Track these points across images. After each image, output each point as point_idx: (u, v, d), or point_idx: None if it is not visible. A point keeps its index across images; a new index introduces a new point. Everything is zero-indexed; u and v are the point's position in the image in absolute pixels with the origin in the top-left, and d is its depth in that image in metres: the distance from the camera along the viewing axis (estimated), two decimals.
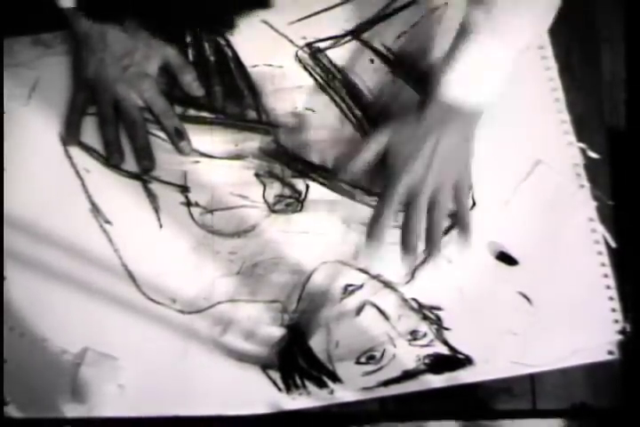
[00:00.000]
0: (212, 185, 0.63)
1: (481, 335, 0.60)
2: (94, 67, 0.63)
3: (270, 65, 0.66)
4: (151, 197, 0.63)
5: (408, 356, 0.60)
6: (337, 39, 0.66)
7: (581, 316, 0.60)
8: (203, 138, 0.64)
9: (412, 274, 0.61)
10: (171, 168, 0.64)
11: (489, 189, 0.62)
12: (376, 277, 0.61)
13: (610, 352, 0.60)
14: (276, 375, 0.60)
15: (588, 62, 0.65)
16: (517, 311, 0.60)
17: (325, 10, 0.66)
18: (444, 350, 0.60)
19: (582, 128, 0.64)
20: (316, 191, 0.63)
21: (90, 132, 0.65)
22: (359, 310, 0.61)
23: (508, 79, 0.57)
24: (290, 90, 0.65)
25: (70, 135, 0.65)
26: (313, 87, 0.65)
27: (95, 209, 0.63)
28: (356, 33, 0.66)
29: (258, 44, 0.66)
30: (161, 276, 0.62)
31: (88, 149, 0.65)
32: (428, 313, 0.60)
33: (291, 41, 0.66)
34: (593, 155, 0.63)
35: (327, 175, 0.63)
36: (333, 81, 0.65)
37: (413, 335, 0.60)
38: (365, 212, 0.62)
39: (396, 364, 0.60)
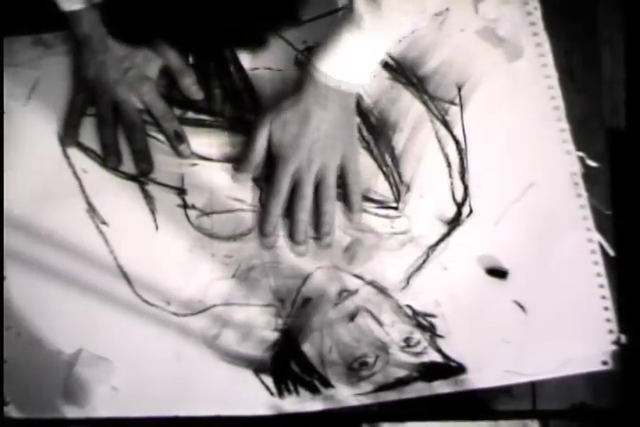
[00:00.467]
0: (210, 188, 0.63)
1: (475, 344, 0.60)
2: (95, 68, 0.63)
3: (270, 68, 0.66)
4: (148, 198, 0.63)
5: (401, 363, 0.60)
6: None
7: (576, 326, 0.60)
8: (201, 140, 0.64)
9: (407, 281, 0.61)
10: (168, 170, 0.64)
11: (486, 197, 0.62)
12: (371, 284, 0.61)
13: (604, 362, 0.59)
14: (268, 379, 0.60)
15: (588, 63, 0.65)
16: (512, 320, 0.60)
17: (326, 14, 0.66)
18: (438, 358, 0.60)
19: (581, 135, 0.63)
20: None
21: (89, 133, 0.65)
22: (353, 316, 0.61)
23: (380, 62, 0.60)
24: None
25: (68, 136, 0.65)
26: None
27: (92, 210, 0.64)
28: None
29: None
30: (156, 278, 0.62)
31: (86, 150, 0.65)
32: (422, 320, 0.60)
33: (291, 44, 0.66)
34: (592, 163, 0.63)
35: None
36: None
37: (407, 342, 0.60)
38: (362, 217, 0.62)
39: (388, 370, 0.60)
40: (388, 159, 0.63)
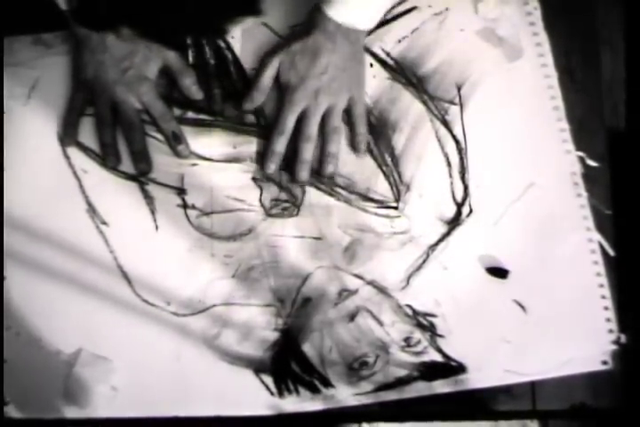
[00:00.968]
0: (209, 188, 0.63)
1: (475, 343, 0.60)
2: (94, 68, 0.63)
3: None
4: (148, 198, 0.63)
5: (401, 362, 0.60)
6: None
7: (576, 325, 0.60)
8: (201, 140, 0.64)
9: (408, 280, 0.61)
10: (168, 170, 0.64)
11: (486, 196, 0.62)
12: (371, 283, 0.61)
13: (604, 362, 0.59)
14: (268, 379, 0.60)
15: (588, 63, 0.65)
16: (512, 320, 0.60)
17: None
18: (438, 358, 0.60)
19: (581, 135, 0.63)
20: (313, 196, 0.63)
21: (89, 132, 0.65)
22: (353, 316, 0.61)
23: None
24: None
25: (68, 135, 0.65)
26: None
27: (92, 210, 0.64)
28: None
29: (258, 47, 0.66)
30: (156, 278, 0.62)
31: (86, 150, 0.65)
32: (423, 320, 0.60)
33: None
34: (592, 163, 0.63)
35: (324, 180, 0.63)
36: None
37: (407, 342, 0.60)
38: (362, 217, 0.62)
39: (389, 370, 0.60)
40: (388, 159, 0.63)
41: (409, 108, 0.64)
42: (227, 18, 0.60)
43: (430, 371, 0.59)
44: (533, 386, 0.60)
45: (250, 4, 0.61)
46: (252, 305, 0.61)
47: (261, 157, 0.63)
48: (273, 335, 0.61)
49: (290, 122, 0.62)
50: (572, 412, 0.60)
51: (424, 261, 0.61)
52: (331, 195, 0.63)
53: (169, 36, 0.63)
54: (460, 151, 0.63)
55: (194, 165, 0.64)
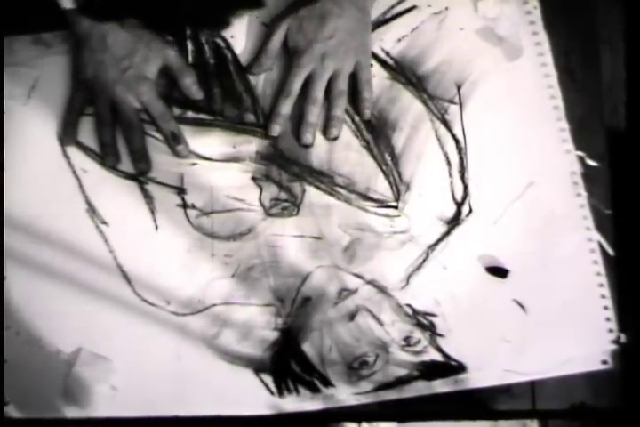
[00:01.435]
0: (209, 187, 0.63)
1: (475, 343, 0.60)
2: (93, 68, 0.63)
3: (270, 68, 0.66)
4: (148, 198, 0.63)
5: (401, 362, 0.60)
6: None
7: (576, 325, 0.60)
8: (200, 140, 0.64)
9: (407, 280, 0.61)
10: (168, 170, 0.64)
11: (485, 196, 0.62)
12: (371, 283, 0.61)
13: (604, 362, 0.59)
14: (268, 379, 0.60)
15: (588, 63, 0.65)
16: (512, 319, 0.60)
17: None
18: (438, 357, 0.60)
19: (581, 135, 0.63)
20: (313, 195, 0.63)
21: (88, 132, 0.65)
22: (353, 315, 0.61)
23: None
24: None
25: (67, 135, 0.65)
26: None
27: (91, 209, 0.64)
28: None
29: (258, 47, 0.65)
30: (156, 277, 0.62)
31: (85, 150, 0.65)
32: (422, 319, 0.60)
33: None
34: (591, 163, 0.63)
35: (324, 179, 0.63)
36: None
37: (407, 341, 0.60)
38: (362, 216, 0.62)
39: (388, 370, 0.60)
40: (388, 158, 0.63)
41: (409, 107, 0.64)
42: (228, 10, 0.61)
43: (430, 370, 0.59)
44: (533, 386, 0.60)
45: None
46: (252, 305, 0.61)
47: (261, 157, 0.63)
48: (273, 335, 0.61)
49: (296, 85, 0.63)
50: (572, 412, 0.60)
51: (424, 261, 0.61)
52: (330, 194, 0.63)
53: (170, 27, 0.63)
54: (460, 151, 0.63)
55: (193, 164, 0.64)
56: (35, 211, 0.64)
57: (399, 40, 0.65)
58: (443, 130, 0.64)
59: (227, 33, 0.66)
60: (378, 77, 0.65)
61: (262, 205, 0.63)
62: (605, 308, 0.60)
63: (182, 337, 0.61)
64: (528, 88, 0.64)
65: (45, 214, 0.63)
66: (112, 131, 0.64)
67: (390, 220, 0.62)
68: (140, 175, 0.64)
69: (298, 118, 0.63)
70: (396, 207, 0.62)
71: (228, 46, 0.66)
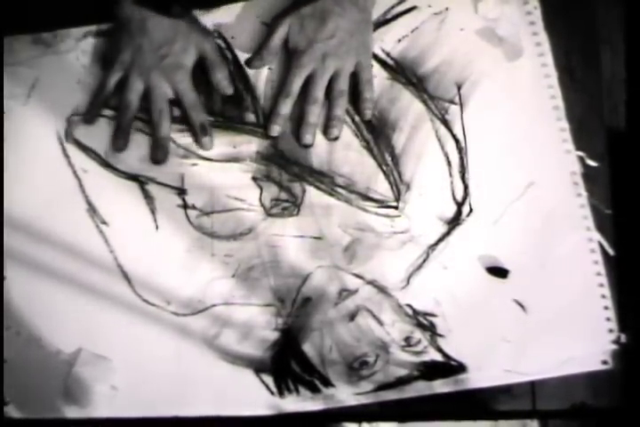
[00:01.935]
0: (210, 187, 0.63)
1: (475, 343, 0.60)
2: (131, 52, 0.62)
3: (270, 68, 0.66)
4: (148, 198, 0.63)
5: (401, 362, 0.60)
6: None
7: (576, 325, 0.60)
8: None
9: (408, 280, 0.61)
10: (168, 170, 0.64)
11: (486, 196, 0.62)
12: (371, 283, 0.61)
13: (604, 362, 0.59)
14: (268, 379, 0.60)
15: (588, 63, 0.65)
16: (512, 319, 0.60)
17: None
18: (438, 357, 0.60)
19: (581, 135, 0.63)
20: (313, 195, 0.63)
21: (88, 132, 0.65)
22: (353, 316, 0.61)
23: None
24: None
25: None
26: None
27: (92, 209, 0.63)
28: None
29: (259, 45, 0.65)
30: (156, 277, 0.62)
31: (86, 149, 0.65)
32: (423, 319, 0.60)
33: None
34: (591, 163, 0.63)
35: (324, 179, 0.63)
36: None
37: (407, 342, 0.60)
38: (362, 216, 0.62)
39: (389, 370, 0.60)
40: (388, 158, 0.63)
41: (409, 107, 0.64)
42: None
43: (430, 371, 0.59)
44: (533, 386, 0.60)
45: None
46: (252, 305, 0.61)
47: (262, 157, 0.63)
48: (273, 335, 0.61)
49: (296, 85, 0.63)
50: (572, 412, 0.60)
51: (424, 261, 0.61)
52: (331, 194, 0.63)
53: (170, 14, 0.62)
54: (460, 151, 0.63)
55: (194, 164, 0.64)
56: (35, 211, 0.64)
57: (399, 40, 0.65)
58: (443, 130, 0.64)
59: (227, 33, 0.66)
60: (378, 78, 0.65)
61: (262, 205, 0.63)
62: (605, 308, 0.60)
63: (182, 337, 0.61)
64: (528, 88, 0.64)
65: (45, 214, 0.63)
66: (132, 117, 0.64)
67: (390, 220, 0.62)
68: (156, 164, 0.63)
69: (298, 118, 0.63)
70: (396, 207, 0.62)
71: (229, 47, 0.66)
